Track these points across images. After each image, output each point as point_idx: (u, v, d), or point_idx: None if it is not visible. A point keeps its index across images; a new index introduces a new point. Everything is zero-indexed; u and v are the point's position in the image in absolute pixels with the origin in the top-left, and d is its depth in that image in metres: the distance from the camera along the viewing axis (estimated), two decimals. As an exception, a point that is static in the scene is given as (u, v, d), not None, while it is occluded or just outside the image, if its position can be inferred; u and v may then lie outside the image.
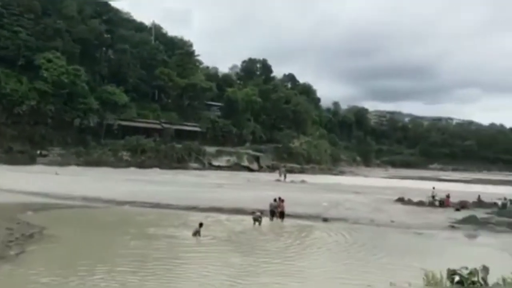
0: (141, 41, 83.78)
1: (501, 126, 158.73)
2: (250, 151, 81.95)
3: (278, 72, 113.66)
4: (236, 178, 54.70)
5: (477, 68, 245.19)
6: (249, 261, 16.01)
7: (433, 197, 34.74)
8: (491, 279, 6.62)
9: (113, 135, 70.87)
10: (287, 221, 24.74)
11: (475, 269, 6.41)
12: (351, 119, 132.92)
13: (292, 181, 54.08)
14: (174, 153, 71.46)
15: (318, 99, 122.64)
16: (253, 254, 17.27)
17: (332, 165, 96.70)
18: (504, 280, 6.53)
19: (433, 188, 36.72)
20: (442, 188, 43.50)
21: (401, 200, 35.52)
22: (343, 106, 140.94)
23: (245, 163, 77.90)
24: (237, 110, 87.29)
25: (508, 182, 73.42)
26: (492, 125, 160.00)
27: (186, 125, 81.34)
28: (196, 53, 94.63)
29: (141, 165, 64.99)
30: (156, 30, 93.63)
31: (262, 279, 13.40)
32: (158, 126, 78.02)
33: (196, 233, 19.44)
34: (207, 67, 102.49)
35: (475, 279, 6.29)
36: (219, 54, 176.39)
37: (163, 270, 14.07)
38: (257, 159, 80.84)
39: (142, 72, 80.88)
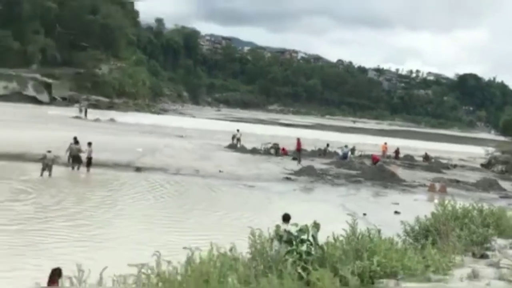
0: None
1: (350, 64, 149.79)
2: (38, 76, 66.50)
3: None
4: (16, 112, 43.01)
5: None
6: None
7: (237, 139, 35.19)
8: (323, 237, 6.35)
9: None
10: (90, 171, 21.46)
11: (306, 226, 6.19)
12: (178, 43, 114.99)
13: (97, 119, 46.59)
14: None
15: (137, 13, 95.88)
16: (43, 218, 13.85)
17: (151, 101, 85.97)
18: (335, 238, 6.34)
19: (238, 130, 36.49)
20: (282, 134, 44.00)
21: (233, 146, 34.47)
22: (169, 25, 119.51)
23: (31, 92, 64.00)
24: (20, 17, 67.70)
25: (351, 130, 74.27)
26: (340, 62, 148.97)
27: None
28: None
29: None
30: None
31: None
32: None
33: None
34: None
35: (304, 237, 6.06)
36: None
37: None
38: (48, 87, 66.47)
39: None
